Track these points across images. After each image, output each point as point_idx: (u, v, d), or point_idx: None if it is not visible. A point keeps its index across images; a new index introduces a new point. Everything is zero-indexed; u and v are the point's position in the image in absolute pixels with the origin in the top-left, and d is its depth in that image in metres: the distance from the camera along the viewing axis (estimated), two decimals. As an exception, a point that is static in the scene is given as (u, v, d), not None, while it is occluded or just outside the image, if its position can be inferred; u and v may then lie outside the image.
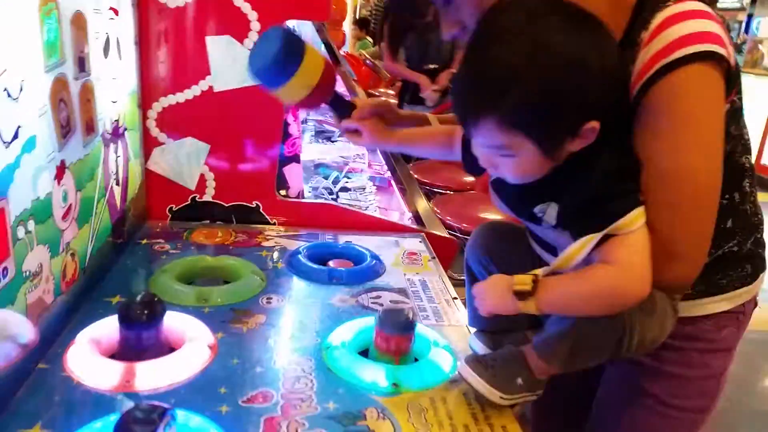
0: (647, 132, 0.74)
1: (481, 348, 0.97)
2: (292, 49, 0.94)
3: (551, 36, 0.68)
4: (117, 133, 1.27)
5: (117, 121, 1.26)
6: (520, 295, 0.75)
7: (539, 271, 0.76)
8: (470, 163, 0.89)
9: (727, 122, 0.79)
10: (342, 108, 1.10)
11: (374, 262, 1.33)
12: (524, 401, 0.86)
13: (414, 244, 1.51)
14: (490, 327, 0.97)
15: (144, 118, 1.44)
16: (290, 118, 1.50)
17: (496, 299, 0.79)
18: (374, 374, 0.91)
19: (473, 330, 1.03)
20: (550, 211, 0.76)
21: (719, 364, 0.95)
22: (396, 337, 0.93)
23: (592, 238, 0.71)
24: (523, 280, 0.76)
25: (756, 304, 0.97)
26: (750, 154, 0.89)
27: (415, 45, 3.43)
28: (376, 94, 4.23)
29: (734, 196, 0.87)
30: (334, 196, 1.84)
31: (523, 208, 0.81)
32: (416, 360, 0.97)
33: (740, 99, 0.82)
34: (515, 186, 0.80)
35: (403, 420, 0.83)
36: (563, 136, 0.72)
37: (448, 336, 1.05)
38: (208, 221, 1.50)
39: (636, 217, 0.72)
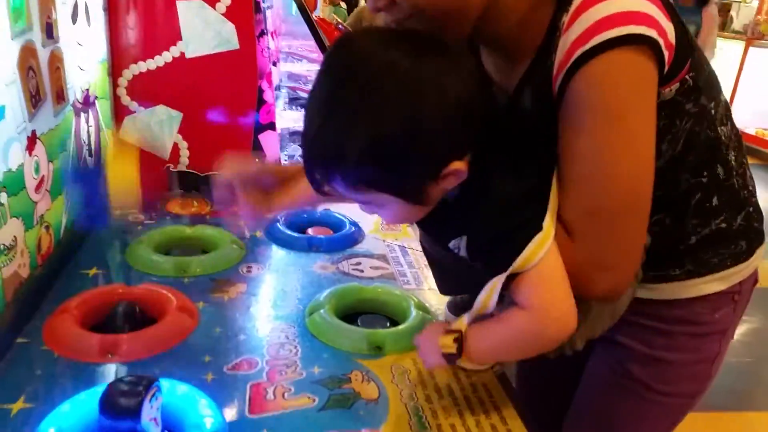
0: (569, 130, 0.67)
1: (452, 317, 0.98)
2: None
3: (378, 84, 0.60)
4: (88, 102, 1.23)
5: (87, 89, 1.23)
6: (449, 358, 0.72)
7: (462, 324, 0.71)
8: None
9: (680, 102, 0.73)
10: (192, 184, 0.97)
11: (353, 228, 1.33)
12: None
13: (392, 210, 1.51)
14: (457, 293, 0.97)
15: (114, 86, 1.40)
16: (264, 85, 1.47)
17: (433, 359, 0.76)
18: (357, 338, 0.92)
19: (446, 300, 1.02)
20: (462, 245, 0.71)
21: (712, 348, 0.90)
22: None
23: (495, 284, 0.66)
24: (446, 344, 0.71)
25: (756, 281, 0.90)
26: (726, 125, 0.81)
27: None
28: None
29: (716, 171, 0.81)
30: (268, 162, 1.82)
31: (440, 239, 0.75)
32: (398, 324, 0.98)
33: (697, 74, 0.73)
34: (435, 218, 0.72)
35: (387, 381, 0.84)
36: (420, 183, 0.65)
37: (428, 300, 1.07)
38: (182, 191, 1.48)
39: (535, 249, 0.64)
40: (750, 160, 0.88)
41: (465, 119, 0.63)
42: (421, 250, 1.27)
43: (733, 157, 0.83)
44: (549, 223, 0.66)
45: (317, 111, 0.64)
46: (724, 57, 5.28)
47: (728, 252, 0.85)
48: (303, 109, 0.66)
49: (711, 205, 0.82)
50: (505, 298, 0.69)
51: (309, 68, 2.99)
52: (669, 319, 0.86)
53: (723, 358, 0.92)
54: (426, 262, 1.20)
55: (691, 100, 0.74)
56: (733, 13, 6.33)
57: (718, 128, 0.80)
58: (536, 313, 0.67)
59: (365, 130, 0.60)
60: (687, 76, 0.72)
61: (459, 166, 0.64)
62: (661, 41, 0.64)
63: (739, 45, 5.92)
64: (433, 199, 0.68)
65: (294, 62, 3.16)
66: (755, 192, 0.87)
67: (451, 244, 0.72)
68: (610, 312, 0.77)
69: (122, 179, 0.81)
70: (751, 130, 5.78)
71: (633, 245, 0.70)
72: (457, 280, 0.91)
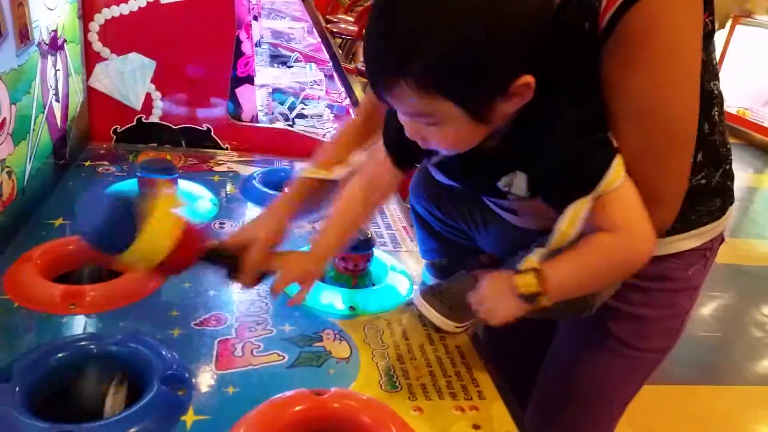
0: (621, 66, 0.66)
1: (433, 280, 0.96)
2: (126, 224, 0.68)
3: None
4: (55, 45, 1.17)
5: (55, 31, 1.16)
6: (528, 298, 0.68)
7: (535, 261, 0.68)
8: (402, 159, 0.77)
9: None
10: (223, 264, 0.79)
11: (331, 188, 1.30)
12: (477, 323, 0.87)
13: (372, 171, 1.48)
14: (444, 257, 0.97)
15: (85, 30, 1.34)
16: (243, 35, 1.42)
17: (505, 309, 0.70)
18: (331, 298, 0.90)
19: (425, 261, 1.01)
20: (517, 182, 0.68)
21: (685, 303, 0.92)
22: (354, 256, 0.92)
23: (581, 208, 0.64)
24: (526, 282, 0.67)
25: (723, 240, 0.92)
26: (718, 80, 0.82)
27: None
28: (335, 20, 4.07)
29: (703, 126, 0.80)
30: (290, 123, 1.78)
31: (483, 183, 0.72)
32: (373, 285, 0.96)
33: (712, 21, 0.75)
34: (472, 160, 0.69)
35: (360, 341, 0.82)
36: (491, 96, 0.61)
37: (405, 261, 1.05)
38: (155, 144, 1.43)
39: (618, 170, 0.64)
40: (731, 140, 0.88)
41: (542, 31, 0.61)
42: (399, 211, 1.26)
43: (717, 113, 0.83)
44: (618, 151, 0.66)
45: (388, 3, 0.61)
46: (710, 34, 5.26)
47: (705, 209, 0.85)
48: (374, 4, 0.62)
49: (696, 160, 0.81)
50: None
51: (292, 25, 2.92)
52: (646, 275, 0.85)
53: (690, 314, 0.95)
54: (404, 225, 1.20)
55: (704, 46, 0.72)
56: (721, -10, 6.30)
57: (713, 82, 0.80)
58: (624, 232, 0.66)
59: (447, 29, 0.58)
60: (707, 20, 0.72)
61: (530, 80, 0.61)
62: None
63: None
64: (494, 121, 0.64)
65: (277, 19, 3.08)
66: (731, 151, 0.88)
67: (501, 183, 0.69)
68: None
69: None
70: (733, 110, 5.82)
71: (682, 180, 0.71)
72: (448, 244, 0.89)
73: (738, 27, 5.87)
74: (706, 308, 2.77)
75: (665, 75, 0.65)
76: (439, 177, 0.78)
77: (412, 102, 0.61)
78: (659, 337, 0.93)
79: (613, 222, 0.65)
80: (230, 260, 0.77)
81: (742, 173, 4.90)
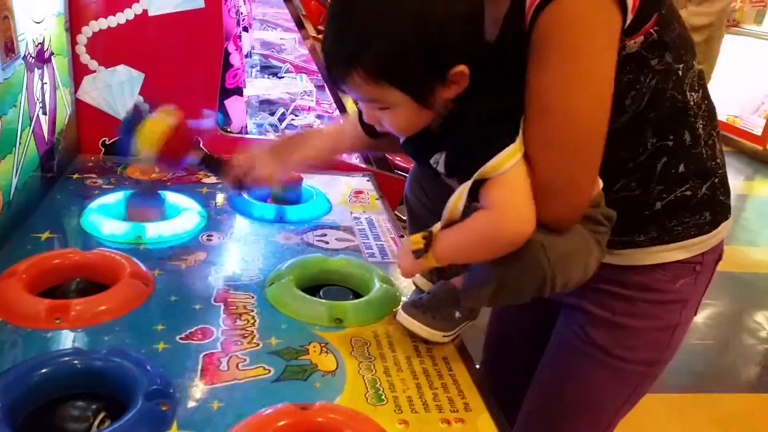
0: (533, 64, 0.71)
1: (422, 282, 0.97)
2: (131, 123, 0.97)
3: None
4: (42, 58, 1.17)
5: (42, 43, 1.16)
6: (417, 254, 0.77)
7: (435, 227, 0.77)
8: (367, 125, 0.85)
9: (644, 55, 0.75)
10: (215, 167, 1.04)
11: (320, 199, 1.30)
12: (465, 329, 0.87)
13: (361, 182, 1.49)
14: None
15: (73, 43, 1.34)
16: (231, 47, 1.42)
17: (403, 262, 0.81)
18: (318, 310, 0.90)
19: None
20: (441, 161, 0.76)
21: (671, 317, 0.90)
22: None
23: (465, 186, 0.71)
24: (415, 240, 0.77)
25: (720, 257, 0.91)
26: (697, 92, 0.81)
27: None
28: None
29: (683, 137, 0.81)
30: (280, 134, 1.78)
31: (422, 159, 0.80)
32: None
33: (662, 30, 0.75)
34: (416, 139, 0.78)
35: (346, 353, 0.82)
36: (432, 83, 0.70)
37: (393, 272, 1.05)
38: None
39: (506, 157, 0.70)
40: None
41: (469, 30, 0.70)
42: (388, 222, 1.26)
43: (701, 126, 0.83)
44: (519, 140, 0.71)
45: (342, 8, 0.71)
46: (699, 43, 5.30)
47: (692, 221, 0.85)
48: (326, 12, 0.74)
49: (677, 171, 0.83)
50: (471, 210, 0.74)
51: (283, 36, 2.92)
52: (630, 285, 0.87)
53: (684, 330, 0.93)
54: (393, 236, 1.20)
55: (656, 55, 0.76)
56: (710, -1, 6.36)
57: (687, 92, 0.80)
58: (495, 211, 0.71)
59: (391, 27, 0.67)
60: (652, 30, 0.74)
61: (464, 69, 0.69)
62: None
63: (715, 32, 5.96)
64: (437, 106, 0.72)
65: (268, 30, 3.08)
66: (724, 165, 0.87)
67: (432, 160, 0.77)
68: (583, 263, 0.78)
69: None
70: (722, 117, 5.86)
71: (581, 177, 0.74)
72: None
73: (726, 36, 5.92)
74: (699, 316, 2.77)
75: (564, 74, 0.70)
76: (404, 150, 0.86)
77: (363, 89, 0.71)
78: (644, 348, 0.91)
79: (490, 201, 0.72)
80: (220, 162, 1.02)
81: (734, 181, 4.90)
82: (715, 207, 0.86)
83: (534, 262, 0.74)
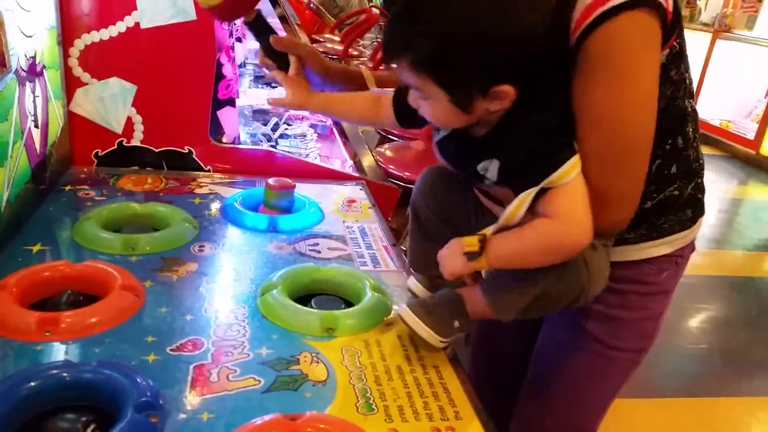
0: (583, 81, 0.75)
1: (419, 290, 0.97)
2: None
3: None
4: (34, 71, 1.18)
5: (34, 57, 1.17)
6: (470, 256, 0.77)
7: (488, 230, 0.77)
8: (403, 114, 0.89)
9: (668, 67, 0.79)
10: (263, 32, 1.03)
11: (312, 209, 1.30)
12: (455, 341, 0.87)
13: (354, 191, 1.49)
14: (429, 270, 0.97)
15: (65, 56, 1.35)
16: (224, 58, 1.43)
17: (452, 263, 0.81)
18: (309, 319, 0.90)
19: (407, 277, 1.02)
20: (492, 168, 0.77)
21: (657, 307, 0.98)
22: None
23: (529, 194, 0.72)
24: (471, 242, 0.77)
25: (693, 249, 0.99)
26: (693, 98, 0.89)
27: None
28: (321, 39, 4.10)
29: (677, 140, 0.87)
30: (273, 143, 1.79)
31: (466, 165, 0.81)
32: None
33: (681, 43, 0.82)
34: (459, 144, 0.80)
35: (337, 363, 0.82)
36: (471, 92, 0.72)
37: (385, 281, 1.05)
38: (137, 168, 1.43)
39: (570, 168, 0.72)
40: (713, 152, 0.98)
41: (535, 50, 0.71)
42: (381, 231, 1.26)
43: (691, 130, 0.89)
44: (578, 153, 0.74)
45: None
46: (690, 49, 5.35)
47: (677, 218, 0.92)
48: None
49: (669, 172, 0.89)
50: (522, 220, 0.76)
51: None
52: (621, 279, 0.92)
53: (664, 317, 1.01)
54: (385, 244, 1.20)
55: (674, 66, 0.81)
56: (701, 4, 6.41)
57: (687, 100, 0.86)
58: (561, 220, 0.73)
59: (446, 24, 0.69)
60: (675, 43, 0.79)
61: (509, 90, 0.71)
62: (664, 5, 0.73)
63: (706, 37, 6.00)
64: (475, 113, 0.74)
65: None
66: (704, 166, 0.94)
67: (480, 166, 0.78)
68: (606, 276, 0.82)
69: None
70: (715, 122, 5.89)
71: (633, 185, 0.78)
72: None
73: (718, 41, 5.97)
74: (692, 320, 2.79)
75: (616, 91, 0.73)
76: (438, 156, 0.87)
77: (408, 75, 0.74)
78: (634, 338, 0.99)
79: (553, 210, 0.73)
80: (269, 30, 1.02)
81: (727, 185, 4.95)
82: (696, 205, 0.94)
83: (577, 277, 0.77)
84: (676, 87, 0.84)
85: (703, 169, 0.94)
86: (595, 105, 0.74)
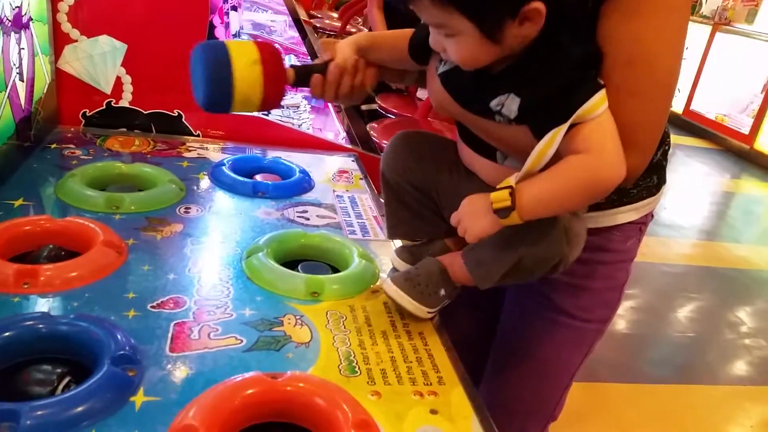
0: (617, 16, 0.70)
1: (400, 265, 0.94)
2: (219, 75, 0.79)
3: None
4: (19, 23, 1.14)
5: (20, 7, 1.13)
6: (502, 212, 0.70)
7: (511, 180, 0.70)
8: (415, 48, 0.84)
9: None
10: (311, 71, 0.87)
11: (303, 177, 1.28)
12: (443, 307, 0.86)
13: (346, 162, 1.47)
14: (408, 237, 0.96)
15: (54, 10, 1.31)
16: (216, 20, 1.39)
17: (480, 224, 0.73)
18: (294, 283, 0.88)
19: (395, 247, 0.99)
20: (509, 104, 0.71)
21: (621, 276, 0.98)
22: None
23: (559, 130, 0.67)
24: (500, 197, 0.70)
25: (653, 216, 0.99)
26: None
27: None
28: (318, 15, 4.04)
29: None
30: (266, 112, 1.76)
31: (477, 100, 0.75)
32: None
33: None
34: (473, 77, 0.74)
35: (321, 326, 0.81)
36: (502, 16, 0.66)
37: (374, 250, 1.03)
38: (125, 129, 1.40)
39: (600, 101, 0.68)
40: (707, 145, 0.98)
41: None
42: (371, 201, 1.25)
43: None
44: (604, 88, 0.69)
45: None
46: (689, 41, 5.33)
47: (644, 184, 0.92)
48: None
49: None
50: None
51: (273, 18, 2.90)
52: (587, 247, 0.87)
53: (626, 287, 1.00)
54: (375, 215, 1.18)
55: None
56: (703, -3, 6.38)
57: None
58: (594, 154, 0.68)
59: None
60: None
61: (539, 7, 0.65)
62: None
63: (705, 30, 5.98)
64: (505, 43, 0.68)
65: (259, 12, 3.05)
66: (669, 135, 0.93)
67: (494, 102, 0.72)
68: (583, 236, 0.79)
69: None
70: (711, 115, 5.89)
71: (659, 127, 0.76)
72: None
73: (718, 34, 5.95)
74: (681, 309, 2.80)
75: (656, 27, 0.70)
76: (437, 91, 0.81)
77: (431, 12, 0.68)
78: (599, 308, 0.98)
79: (586, 144, 0.68)
80: (318, 68, 0.86)
81: (720, 178, 4.96)
82: (660, 171, 0.93)
83: (558, 243, 0.74)
84: None
85: (669, 137, 0.93)
86: (629, 41, 0.70)
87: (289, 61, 2.31)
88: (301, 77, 0.86)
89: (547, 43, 0.68)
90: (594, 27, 0.72)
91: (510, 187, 0.70)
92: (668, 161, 0.95)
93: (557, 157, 0.69)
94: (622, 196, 0.90)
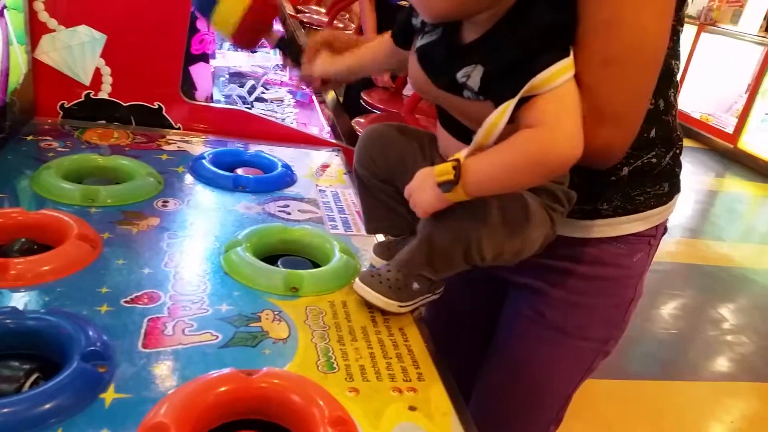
0: None
1: (378, 263, 0.92)
2: None
3: None
4: (-7, 11, 1.11)
5: (-7, -5, 1.10)
6: (445, 186, 0.67)
7: (461, 154, 0.66)
8: (398, 32, 0.85)
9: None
10: (293, 50, 1.06)
11: (285, 171, 1.26)
12: (426, 302, 0.84)
13: (330, 157, 1.46)
14: (386, 232, 0.94)
15: (30, -1, 1.28)
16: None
17: (425, 198, 0.70)
18: (273, 278, 0.87)
19: (374, 242, 0.98)
20: (474, 75, 0.67)
21: (627, 293, 0.90)
22: None
23: (508, 105, 0.62)
24: (443, 170, 0.67)
25: (666, 230, 0.91)
26: (679, 60, 0.81)
27: None
28: (306, 11, 4.02)
29: (659, 102, 0.80)
30: (249, 105, 1.74)
31: (446, 72, 0.70)
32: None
33: None
34: (445, 48, 0.71)
35: (300, 322, 0.79)
36: None
37: (356, 245, 1.02)
38: (104, 122, 1.38)
39: (558, 71, 0.62)
40: (693, 144, 0.93)
41: None
42: (354, 196, 1.23)
43: (672, 94, 0.82)
44: (572, 57, 0.64)
45: None
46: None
47: (653, 191, 0.85)
48: None
49: (648, 136, 0.81)
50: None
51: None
52: (585, 260, 0.85)
53: (636, 304, 0.92)
54: (358, 210, 1.17)
55: (678, 8, 0.71)
56: (689, -3, 6.41)
57: (674, 60, 0.79)
58: (546, 127, 0.63)
59: None
60: None
61: None
62: None
63: (691, 30, 6.02)
64: None
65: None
66: (682, 139, 0.87)
67: (461, 73, 0.68)
68: (523, 236, 0.74)
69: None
70: (696, 115, 5.94)
71: (639, 103, 0.69)
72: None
73: (703, 35, 6.00)
74: (665, 306, 2.81)
75: None
76: (416, 68, 0.77)
77: None
78: (599, 326, 0.91)
79: (539, 117, 0.63)
80: (299, 47, 1.04)
81: (704, 177, 5.00)
82: (672, 179, 0.87)
83: (460, 230, 0.71)
84: (672, 39, 0.74)
85: (681, 141, 0.87)
86: (607, 3, 0.65)
87: (274, 54, 2.29)
88: (281, 48, 1.06)
89: (520, 11, 0.65)
90: None
91: (456, 160, 0.66)
92: (682, 167, 0.88)
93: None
94: (626, 202, 0.84)
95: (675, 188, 0.88)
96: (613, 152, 0.71)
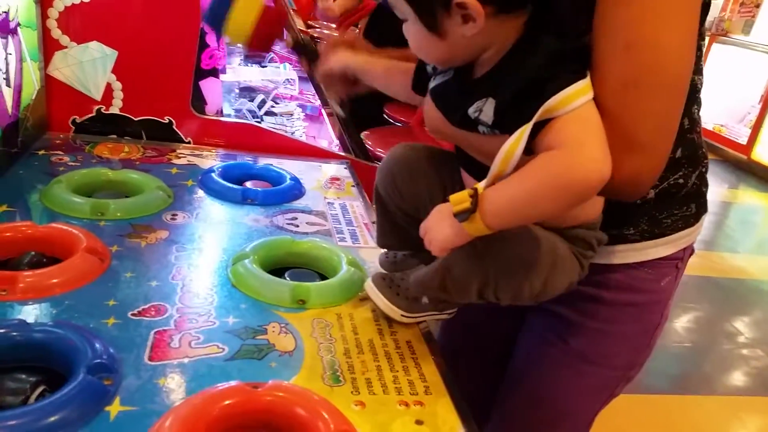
0: (611, 1, 0.62)
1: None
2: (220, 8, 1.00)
3: None
4: (7, 28, 1.13)
5: (7, 12, 1.12)
6: (462, 215, 0.62)
7: (479, 185, 0.62)
8: (416, 84, 0.81)
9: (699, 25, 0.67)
10: (308, 53, 1.09)
11: (293, 184, 1.27)
12: (433, 319, 0.84)
13: (338, 170, 1.46)
14: (397, 248, 0.93)
15: (44, 17, 1.30)
16: (208, 27, 1.39)
17: (442, 232, 0.65)
18: (280, 290, 0.87)
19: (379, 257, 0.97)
20: (486, 109, 0.64)
21: (652, 319, 0.87)
22: None
23: (524, 130, 0.59)
24: (460, 198, 0.62)
25: (693, 252, 0.88)
26: (702, 75, 0.78)
27: None
28: (316, 26, 4.05)
29: (684, 120, 0.76)
30: (258, 119, 1.75)
31: (458, 108, 0.68)
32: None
33: (708, 5, 0.69)
34: (457, 85, 0.70)
35: (306, 334, 0.79)
36: (433, 6, 0.62)
37: (364, 257, 1.02)
38: (114, 136, 1.39)
39: (575, 93, 0.59)
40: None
41: None
42: (363, 209, 1.23)
43: (696, 111, 0.80)
44: (589, 80, 0.61)
45: None
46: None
47: (680, 213, 0.82)
48: None
49: (675, 156, 0.78)
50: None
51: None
52: (611, 286, 0.82)
53: (661, 330, 0.89)
54: (366, 222, 1.17)
55: (701, 23, 0.68)
56: (700, 8, 6.40)
57: (697, 76, 0.76)
58: (567, 148, 0.59)
59: None
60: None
61: (475, 6, 0.60)
62: None
63: (703, 41, 6.00)
64: (451, 39, 0.64)
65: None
66: (707, 156, 0.85)
67: (472, 108, 0.65)
68: (577, 267, 0.72)
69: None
70: (709, 126, 5.89)
71: (666, 129, 0.65)
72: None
73: (715, 45, 5.97)
74: (678, 319, 2.78)
75: (654, 8, 0.61)
76: (430, 108, 0.75)
77: None
78: (623, 353, 0.88)
79: (559, 138, 0.59)
80: (314, 50, 1.06)
81: (717, 188, 4.95)
82: (699, 199, 0.84)
83: (481, 265, 0.69)
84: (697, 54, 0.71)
85: (707, 159, 0.84)
86: (625, 26, 0.61)
87: (284, 69, 2.30)
88: (298, 48, 1.10)
89: (528, 43, 0.63)
90: (590, 19, 0.64)
91: (474, 189, 0.62)
92: (708, 186, 0.84)
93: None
94: (653, 226, 0.80)
95: (702, 209, 0.85)
96: (642, 182, 0.67)
